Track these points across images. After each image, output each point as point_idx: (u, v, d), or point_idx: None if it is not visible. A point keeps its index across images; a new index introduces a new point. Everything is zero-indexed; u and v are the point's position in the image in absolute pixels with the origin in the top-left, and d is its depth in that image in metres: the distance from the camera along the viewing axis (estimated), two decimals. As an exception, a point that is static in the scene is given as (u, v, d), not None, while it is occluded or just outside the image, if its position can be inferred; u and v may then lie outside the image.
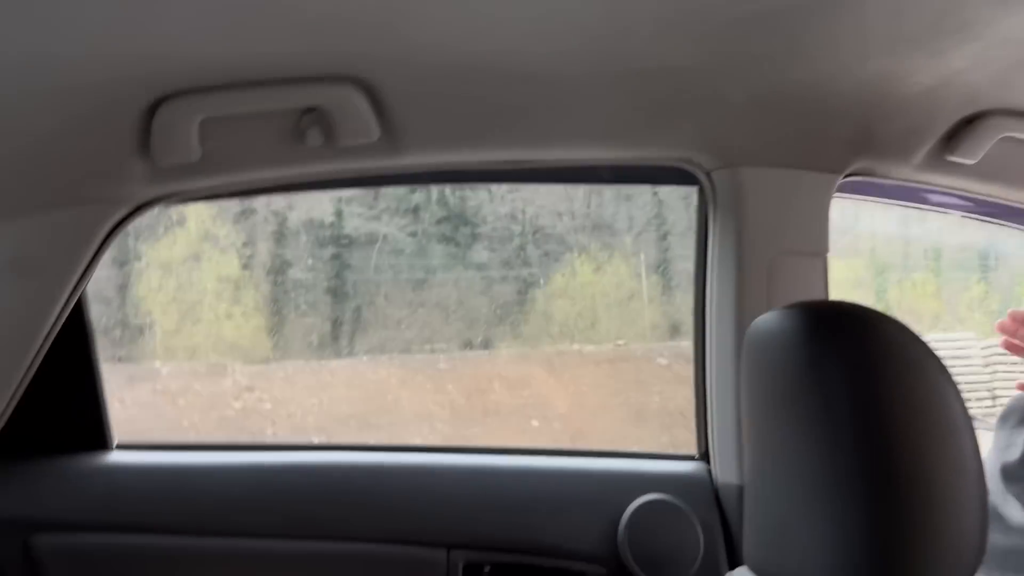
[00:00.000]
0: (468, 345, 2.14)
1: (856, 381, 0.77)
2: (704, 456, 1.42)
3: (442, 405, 2.06)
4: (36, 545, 1.30)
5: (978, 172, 1.31)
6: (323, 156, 1.18)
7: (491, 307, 2.10)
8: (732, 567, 1.08)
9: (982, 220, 1.49)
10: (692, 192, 1.40)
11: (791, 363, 0.82)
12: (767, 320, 0.88)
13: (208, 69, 0.99)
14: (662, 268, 2.12)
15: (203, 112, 1.05)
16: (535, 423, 2.14)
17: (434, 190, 1.78)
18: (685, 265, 1.81)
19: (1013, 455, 0.86)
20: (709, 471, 1.40)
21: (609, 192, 1.81)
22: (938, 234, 2.28)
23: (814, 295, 1.30)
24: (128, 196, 1.20)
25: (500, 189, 1.82)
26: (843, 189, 1.37)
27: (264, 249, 2.07)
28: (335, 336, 2.11)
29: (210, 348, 2.19)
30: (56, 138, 1.04)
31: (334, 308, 2.08)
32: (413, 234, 2.01)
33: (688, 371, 1.45)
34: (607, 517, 1.33)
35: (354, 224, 2.04)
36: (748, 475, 0.93)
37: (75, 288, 1.22)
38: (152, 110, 1.03)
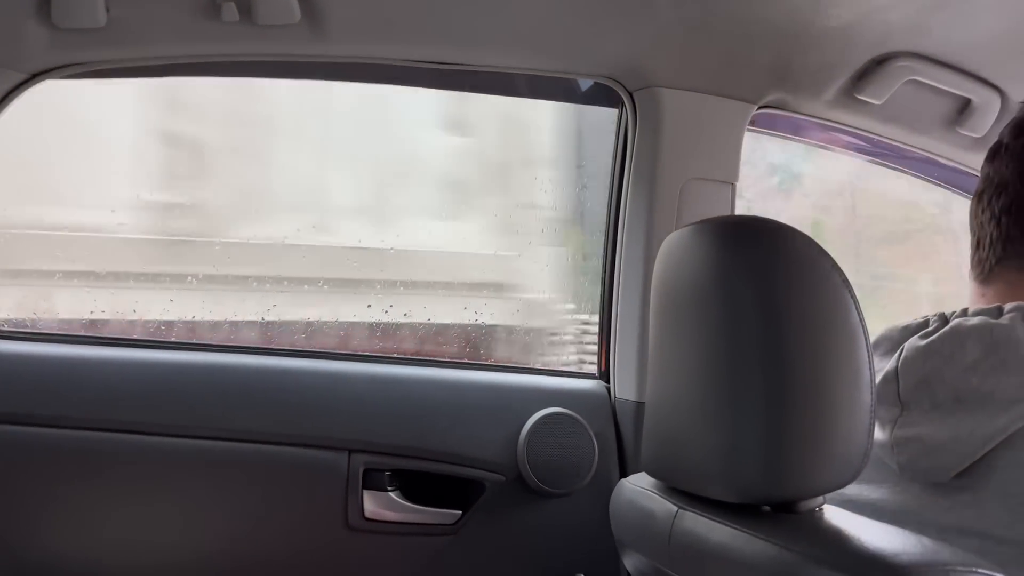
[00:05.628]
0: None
1: (763, 292, 0.80)
2: (604, 375, 1.46)
3: None
4: None
5: (882, 113, 1.37)
6: (240, 35, 1.13)
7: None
8: (623, 478, 1.12)
9: (879, 163, 1.57)
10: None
11: (701, 275, 0.85)
12: (680, 235, 0.90)
13: None
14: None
15: None
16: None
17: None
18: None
19: (876, 379, 0.92)
20: (608, 388, 1.43)
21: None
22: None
23: (720, 222, 1.34)
24: (25, 61, 1.11)
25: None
26: (756, 123, 1.41)
27: None
28: None
29: None
30: None
31: None
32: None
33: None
34: (508, 428, 1.35)
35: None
36: (651, 387, 0.95)
37: None
38: None
